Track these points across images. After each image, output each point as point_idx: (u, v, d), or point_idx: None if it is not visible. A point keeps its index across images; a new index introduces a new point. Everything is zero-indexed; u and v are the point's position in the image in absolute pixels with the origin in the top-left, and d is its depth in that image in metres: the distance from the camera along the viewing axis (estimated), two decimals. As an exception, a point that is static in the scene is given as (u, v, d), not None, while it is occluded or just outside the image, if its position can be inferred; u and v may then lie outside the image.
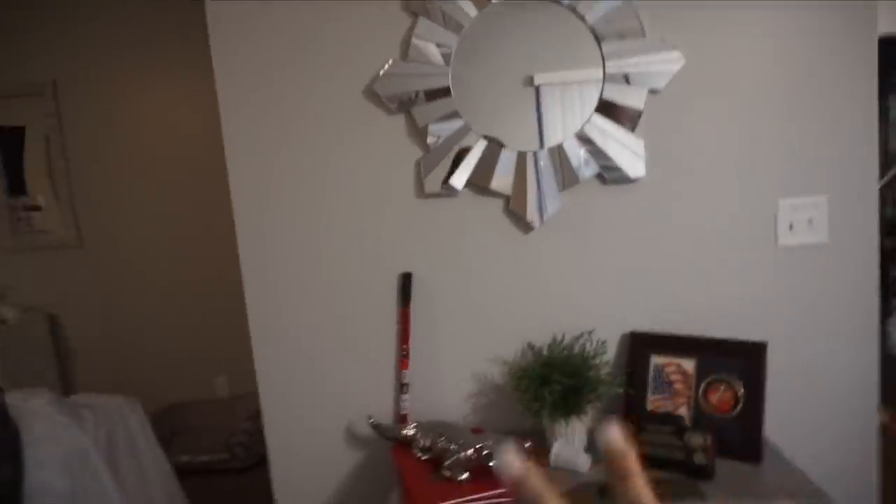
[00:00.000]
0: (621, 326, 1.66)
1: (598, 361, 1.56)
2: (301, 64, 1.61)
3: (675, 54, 1.53)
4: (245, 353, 1.75)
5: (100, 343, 3.39)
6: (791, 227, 1.61)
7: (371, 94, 1.61)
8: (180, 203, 3.42)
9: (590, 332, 1.64)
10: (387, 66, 1.58)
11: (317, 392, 1.73)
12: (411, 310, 1.68)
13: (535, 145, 1.59)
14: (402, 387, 1.68)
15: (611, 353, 1.66)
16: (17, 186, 3.34)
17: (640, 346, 1.62)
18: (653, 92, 1.56)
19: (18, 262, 3.32)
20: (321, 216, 1.67)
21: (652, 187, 1.60)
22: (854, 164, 1.57)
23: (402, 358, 1.67)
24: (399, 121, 1.62)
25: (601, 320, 1.66)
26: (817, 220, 1.60)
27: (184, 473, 3.09)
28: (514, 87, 1.58)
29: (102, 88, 3.19)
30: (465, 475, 1.40)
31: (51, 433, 1.88)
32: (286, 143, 1.64)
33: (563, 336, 1.65)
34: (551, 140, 1.59)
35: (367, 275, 1.68)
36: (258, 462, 3.16)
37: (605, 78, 1.55)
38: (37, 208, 3.37)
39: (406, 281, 1.66)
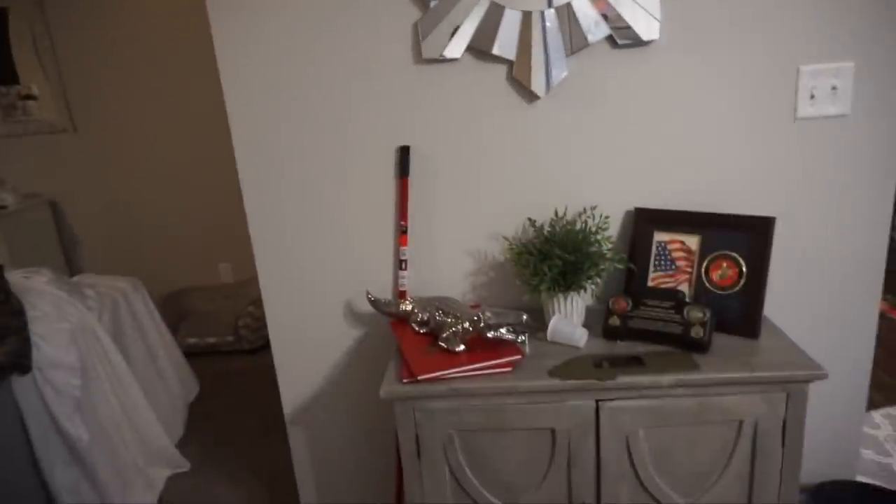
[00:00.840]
0: (626, 202, 1.60)
1: (599, 237, 1.52)
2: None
3: None
4: (248, 239, 1.72)
5: (102, 229, 3.39)
6: (812, 96, 1.50)
7: (363, -55, 1.46)
8: (175, 84, 3.28)
9: (593, 208, 1.59)
10: (379, -88, 1.43)
11: (316, 271, 1.72)
12: (410, 184, 1.62)
13: (541, 4, 1.46)
14: (400, 263, 1.65)
15: (614, 229, 1.62)
16: (8, 74, 3.20)
17: (644, 222, 1.58)
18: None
19: (15, 149, 3.25)
20: (314, 85, 1.57)
21: (665, 51, 1.49)
22: (885, 27, 1.44)
23: (401, 234, 1.64)
24: (395, -23, 1.49)
25: (605, 196, 1.60)
26: (841, 89, 1.49)
27: (192, 355, 3.19)
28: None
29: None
30: (462, 347, 1.40)
31: (55, 309, 1.90)
32: (281, 17, 1.52)
33: (566, 211, 1.60)
34: (559, -2, 1.46)
35: (364, 147, 1.61)
36: (265, 344, 3.25)
37: (622, -75, 1.40)
38: (31, 97, 3.25)
39: (404, 154, 1.59)
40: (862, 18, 1.43)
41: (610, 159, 1.58)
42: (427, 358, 1.39)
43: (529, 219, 1.60)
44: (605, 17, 1.46)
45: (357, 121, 1.59)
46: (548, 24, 1.47)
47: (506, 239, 1.64)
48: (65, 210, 3.35)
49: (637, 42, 1.47)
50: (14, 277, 1.93)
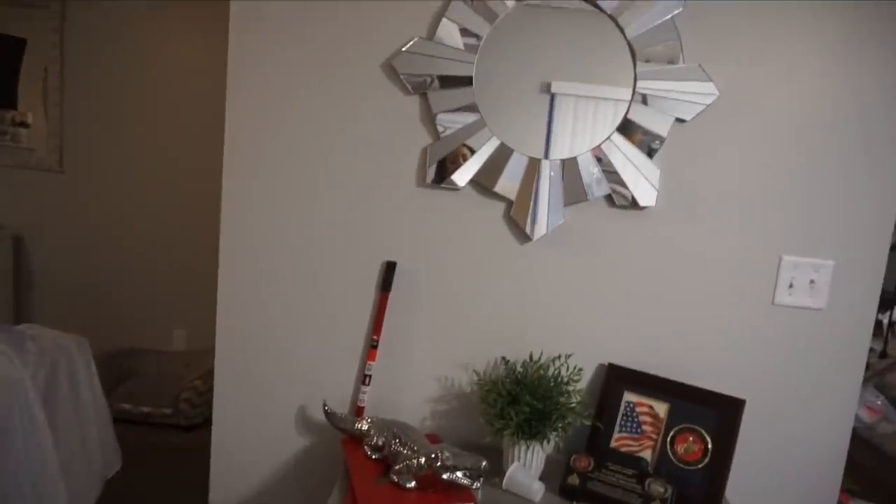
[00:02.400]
0: (600, 356, 1.59)
1: (571, 388, 1.49)
2: (323, 26, 1.52)
3: (710, 86, 1.46)
4: (209, 309, 1.66)
5: (63, 273, 3.27)
6: (791, 285, 1.55)
7: (389, 69, 1.52)
8: (170, 149, 3.29)
9: (567, 356, 1.58)
10: (411, 43, 1.49)
11: (276, 364, 1.65)
12: (389, 300, 1.59)
13: (548, 154, 1.51)
14: (364, 378, 1.60)
15: (585, 380, 1.60)
16: (8, 99, 3.19)
17: (616, 379, 1.56)
18: (679, 121, 1.49)
19: (-7, 175, 3.19)
20: (314, 187, 1.58)
21: (658, 218, 1.54)
22: (867, 232, 1.51)
23: (371, 348, 1.59)
24: (413, 103, 1.54)
25: (581, 345, 1.59)
26: (819, 285, 1.55)
27: (123, 421, 2.98)
28: (536, 90, 1.50)
29: (111, 10, 3.06)
30: (413, 483, 1.32)
31: (-12, 359, 1.77)
32: (291, 105, 1.55)
33: (541, 355, 1.58)
34: (566, 151, 1.51)
35: (352, 256, 1.60)
36: (203, 423, 3.06)
37: (634, 98, 1.48)
38: (24, 124, 3.23)
39: (390, 269, 1.58)
40: (847, 221, 1.51)
41: (591, 310, 1.58)
42: (375, 491, 1.31)
43: (503, 357, 1.57)
44: (606, 177, 1.51)
45: (351, 228, 1.59)
46: (552, 173, 1.51)
47: (476, 373, 1.60)
48: (28, 247, 3.24)
49: (634, 205, 1.52)
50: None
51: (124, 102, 3.19)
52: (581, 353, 1.59)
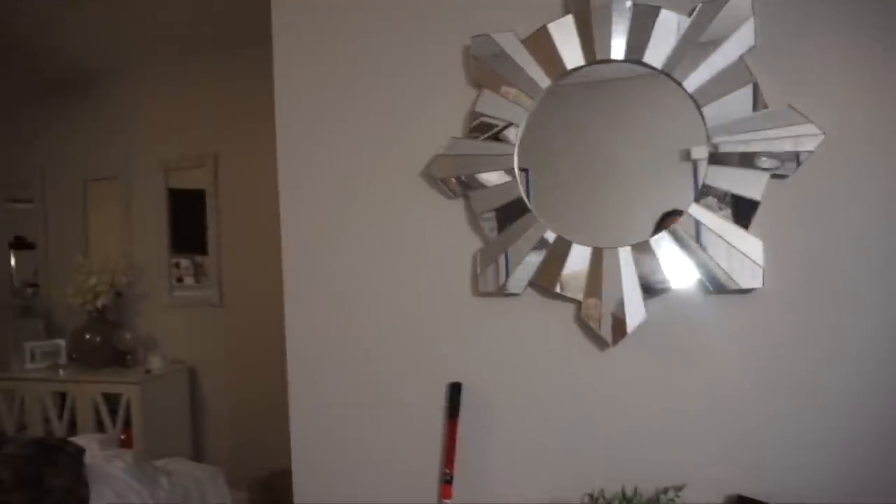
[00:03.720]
0: (720, 487, 1.23)
1: (687, 532, 1.16)
2: (361, 145, 1.49)
3: (809, 128, 1.14)
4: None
5: (229, 398, 3.53)
6: None
7: (430, 175, 1.43)
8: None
9: (678, 489, 1.23)
10: (445, 145, 1.39)
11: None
12: (459, 425, 1.41)
13: (614, 241, 1.27)
14: (442, 519, 1.40)
15: (706, 522, 1.23)
16: (200, 246, 3.63)
17: (751, 520, 1.18)
18: (777, 177, 1.18)
19: (174, 318, 3.62)
20: (367, 309, 1.49)
21: (774, 301, 1.19)
22: None
23: (445, 483, 1.40)
24: (458, 207, 1.41)
25: (693, 474, 1.24)
26: None
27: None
28: (590, 169, 1.30)
29: (253, 160, 3.43)
30: None
31: (118, 499, 1.89)
32: (341, 228, 1.52)
33: (635, 490, 1.25)
34: (635, 236, 1.26)
35: (413, 381, 1.46)
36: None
37: (710, 158, 1.21)
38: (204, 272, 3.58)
39: (454, 391, 1.41)
40: None
41: (702, 428, 1.25)
42: None
43: (590, 494, 1.28)
44: (691, 258, 1.22)
45: (409, 349, 1.46)
46: (621, 263, 1.26)
47: None
48: (201, 377, 3.58)
49: (735, 289, 1.20)
50: (95, 461, 1.98)
51: (268, 241, 3.48)
52: (696, 484, 1.24)
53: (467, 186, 1.38)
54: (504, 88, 1.34)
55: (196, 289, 3.61)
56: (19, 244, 4.14)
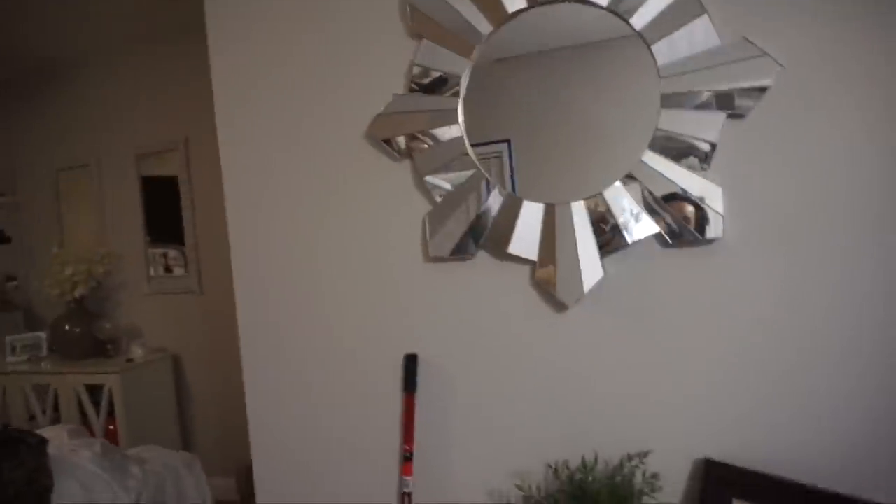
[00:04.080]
0: (689, 450, 1.16)
1: (653, 501, 1.09)
2: (300, 109, 1.40)
3: (766, 61, 1.05)
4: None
5: (214, 385, 3.49)
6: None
7: (373, 136, 1.34)
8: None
9: (643, 455, 1.17)
10: (386, 104, 1.31)
11: (313, 488, 1.46)
12: (417, 401, 1.35)
13: (565, 196, 1.19)
14: (403, 498, 1.34)
15: (671, 488, 1.17)
16: (177, 236, 3.55)
17: (718, 484, 1.11)
18: (734, 116, 1.09)
19: (154, 305, 3.56)
20: (316, 281, 1.42)
21: (736, 251, 1.11)
22: None
23: (405, 460, 1.34)
24: (405, 168, 1.33)
25: (659, 439, 1.18)
26: None
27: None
28: (537, 120, 1.21)
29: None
30: None
31: (83, 491, 1.84)
32: (284, 198, 1.44)
33: (596, 458, 1.19)
34: (587, 188, 1.18)
35: (368, 354, 1.39)
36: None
37: (663, 100, 1.12)
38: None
39: (410, 364, 1.34)
40: None
41: (665, 389, 1.18)
42: None
43: (550, 465, 1.22)
44: (647, 210, 1.14)
45: (361, 321, 1.39)
46: (575, 218, 1.18)
47: (520, 487, 1.25)
48: (185, 365, 3.53)
49: (695, 240, 1.12)
50: (61, 452, 1.93)
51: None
52: (660, 451, 1.17)
53: (412, 146, 1.30)
54: (444, 37, 1.25)
55: (177, 278, 3.54)
56: (-1, 238, 4.06)
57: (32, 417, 3.32)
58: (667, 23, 1.11)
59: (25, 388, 3.31)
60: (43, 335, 3.58)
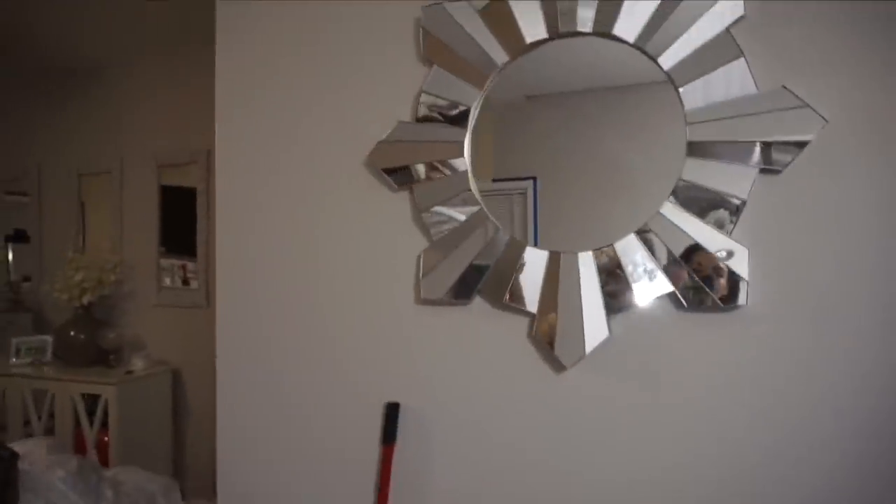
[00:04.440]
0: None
1: None
2: (301, 131, 1.33)
3: (807, 113, 0.94)
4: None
5: (212, 402, 3.41)
6: None
7: (373, 164, 1.25)
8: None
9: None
10: (389, 131, 1.22)
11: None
12: (396, 454, 1.23)
13: (573, 245, 1.08)
14: (373, 561, 1.21)
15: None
16: (189, 249, 3.50)
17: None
18: (767, 171, 0.97)
19: (162, 318, 3.51)
20: (299, 316, 1.32)
21: (760, 320, 0.99)
22: None
23: (379, 520, 1.22)
24: (404, 201, 1.24)
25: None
26: None
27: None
28: (551, 161, 1.11)
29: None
30: None
31: (51, 513, 1.75)
32: (274, 219, 1.35)
33: None
34: (597, 239, 1.07)
35: (347, 399, 1.28)
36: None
37: (689, 148, 1.01)
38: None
39: (391, 414, 1.23)
40: None
41: (678, 464, 1.04)
42: None
43: (533, 545, 1.09)
44: (663, 268, 1.02)
45: (342, 362, 1.28)
46: (581, 269, 1.07)
47: None
48: (185, 379, 3.46)
49: (714, 305, 1.00)
50: (33, 468, 1.84)
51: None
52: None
53: (413, 177, 1.21)
54: (457, 65, 1.17)
55: (185, 291, 3.49)
56: (18, 237, 4.08)
57: (27, 423, 3.26)
58: (699, 64, 1.01)
59: (25, 392, 3.26)
60: (49, 339, 3.54)
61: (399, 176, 1.22)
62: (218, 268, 1.41)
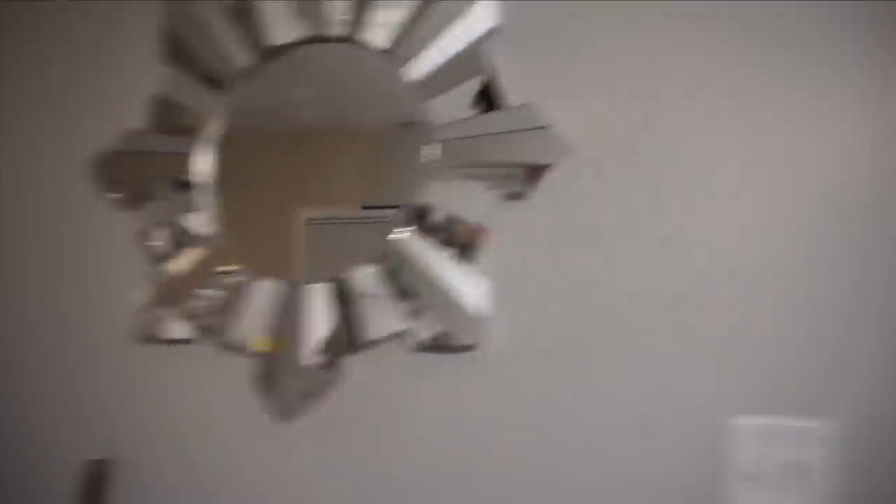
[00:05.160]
0: None
1: None
2: (26, 142, 1.12)
3: (553, 133, 0.85)
4: None
5: None
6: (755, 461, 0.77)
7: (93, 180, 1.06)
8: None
9: None
10: (116, 140, 1.04)
11: None
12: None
13: (302, 275, 0.93)
14: None
15: None
16: None
17: None
18: (512, 196, 0.87)
19: None
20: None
21: (500, 362, 0.86)
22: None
23: None
24: (127, 221, 1.04)
25: None
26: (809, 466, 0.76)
27: None
28: (291, 180, 0.97)
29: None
30: None
31: None
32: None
33: None
34: (331, 270, 0.92)
35: (41, 458, 1.03)
36: None
37: (431, 169, 0.90)
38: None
39: (96, 475, 0.99)
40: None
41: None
42: None
43: None
44: (402, 303, 0.88)
45: (39, 412, 1.04)
46: (311, 303, 0.92)
47: None
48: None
49: (450, 346, 0.86)
50: None
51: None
52: None
53: (138, 194, 1.02)
54: (198, 68, 1.02)
55: None
56: None
57: None
58: (447, 77, 0.91)
59: None
60: None
61: (122, 191, 1.03)
62: None
